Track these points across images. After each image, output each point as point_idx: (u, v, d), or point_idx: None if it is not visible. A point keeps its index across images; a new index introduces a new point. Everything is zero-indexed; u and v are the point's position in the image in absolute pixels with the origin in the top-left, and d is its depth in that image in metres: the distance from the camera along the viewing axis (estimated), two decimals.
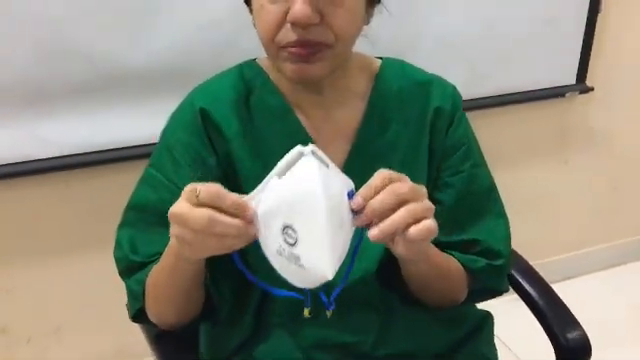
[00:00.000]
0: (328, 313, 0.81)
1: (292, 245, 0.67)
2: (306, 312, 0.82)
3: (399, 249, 0.73)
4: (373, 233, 0.70)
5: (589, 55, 1.97)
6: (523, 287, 1.08)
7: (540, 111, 2.04)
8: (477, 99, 1.83)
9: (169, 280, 0.84)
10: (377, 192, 0.70)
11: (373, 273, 0.92)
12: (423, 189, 0.73)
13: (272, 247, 0.69)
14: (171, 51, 1.43)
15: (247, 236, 0.69)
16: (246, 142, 0.90)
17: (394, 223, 0.69)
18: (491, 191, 0.97)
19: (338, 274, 0.68)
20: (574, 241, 2.29)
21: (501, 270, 0.95)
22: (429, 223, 0.71)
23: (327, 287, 0.73)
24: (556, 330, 1.02)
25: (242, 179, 0.89)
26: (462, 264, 0.92)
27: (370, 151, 0.92)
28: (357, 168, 0.86)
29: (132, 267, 0.90)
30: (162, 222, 0.76)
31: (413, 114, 0.94)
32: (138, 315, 0.92)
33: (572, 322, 1.02)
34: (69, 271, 1.65)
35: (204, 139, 0.89)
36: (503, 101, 1.90)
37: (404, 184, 0.71)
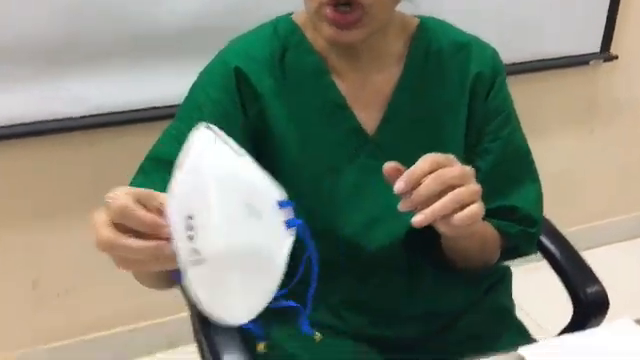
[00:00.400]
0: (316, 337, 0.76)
1: (192, 240, 0.56)
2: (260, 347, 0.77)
3: (442, 229, 0.73)
4: (417, 219, 0.69)
5: (614, 23, 1.95)
6: (544, 244, 1.10)
7: (564, 79, 2.03)
8: None
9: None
10: (423, 177, 0.69)
11: (401, 239, 0.91)
12: (471, 171, 0.72)
13: (181, 255, 0.55)
14: (201, 10, 1.45)
15: (166, 259, 0.56)
16: (280, 101, 0.88)
17: (439, 209, 0.69)
18: (527, 156, 0.97)
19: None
20: (598, 211, 2.28)
21: (534, 236, 0.96)
22: (474, 208, 0.70)
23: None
24: (575, 285, 1.04)
25: (277, 139, 0.88)
26: (498, 229, 0.93)
27: (405, 117, 0.90)
28: (390, 134, 0.87)
29: None
30: None
31: (452, 77, 0.92)
32: None
33: (591, 278, 1.04)
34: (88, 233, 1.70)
35: (235, 98, 0.87)
36: (526, 68, 1.89)
37: (451, 169, 0.70)
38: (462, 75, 0.92)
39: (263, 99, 0.88)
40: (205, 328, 0.92)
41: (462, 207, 0.70)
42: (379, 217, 0.90)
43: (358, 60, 0.89)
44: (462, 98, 0.92)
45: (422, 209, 0.69)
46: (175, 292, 1.10)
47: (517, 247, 0.96)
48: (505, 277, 1.04)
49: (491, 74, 0.93)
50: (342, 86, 0.90)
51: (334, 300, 0.93)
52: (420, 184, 0.69)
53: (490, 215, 0.91)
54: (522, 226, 0.93)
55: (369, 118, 0.89)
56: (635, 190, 2.32)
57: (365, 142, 0.89)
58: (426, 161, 0.70)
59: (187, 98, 0.92)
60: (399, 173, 0.70)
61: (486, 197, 0.84)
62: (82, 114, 1.47)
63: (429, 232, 0.77)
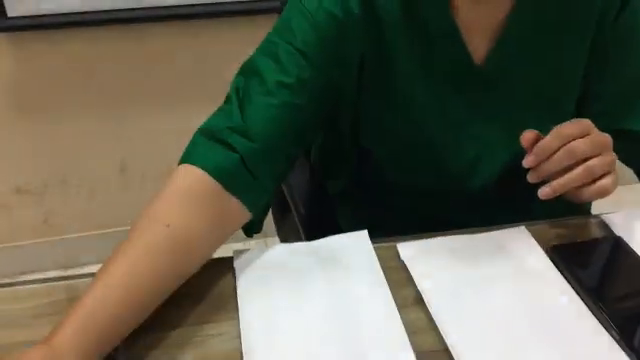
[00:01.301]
0: None
1: None
2: None
3: (570, 199, 0.72)
4: (545, 192, 0.69)
5: None
6: None
7: None
8: None
9: None
10: (554, 150, 0.68)
11: (495, 181, 0.87)
12: (606, 139, 0.71)
13: None
14: None
15: None
16: (398, 27, 0.80)
17: (569, 183, 0.69)
18: None
19: None
20: None
21: None
22: (606, 183, 0.70)
23: None
24: None
25: (389, 63, 0.81)
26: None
27: (520, 44, 0.82)
28: (500, 65, 0.81)
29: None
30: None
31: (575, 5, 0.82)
32: None
33: None
34: (178, 119, 1.77)
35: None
36: None
37: (584, 142, 0.69)
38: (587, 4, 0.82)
39: (388, 27, 0.80)
40: None
41: (594, 180, 0.69)
42: (481, 156, 0.86)
43: None
44: (589, 16, 0.82)
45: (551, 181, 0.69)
46: None
47: None
48: None
49: None
50: (457, 13, 0.80)
51: (413, 218, 0.88)
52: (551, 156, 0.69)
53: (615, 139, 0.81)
54: None
55: (478, 46, 0.81)
56: None
57: (471, 73, 0.82)
58: (559, 135, 0.69)
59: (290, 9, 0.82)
60: (536, 141, 0.70)
61: (608, 122, 0.80)
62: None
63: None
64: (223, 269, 0.71)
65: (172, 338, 0.63)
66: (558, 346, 0.60)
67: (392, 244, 0.74)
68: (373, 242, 0.75)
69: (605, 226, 0.78)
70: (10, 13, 1.52)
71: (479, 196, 0.88)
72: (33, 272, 1.84)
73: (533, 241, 0.74)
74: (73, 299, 0.59)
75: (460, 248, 0.73)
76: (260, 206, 0.75)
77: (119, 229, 1.88)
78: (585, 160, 0.70)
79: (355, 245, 0.73)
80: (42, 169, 1.79)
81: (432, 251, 0.73)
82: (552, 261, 0.71)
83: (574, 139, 0.69)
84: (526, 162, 0.70)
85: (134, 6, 1.54)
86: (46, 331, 0.56)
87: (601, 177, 0.71)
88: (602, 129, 0.73)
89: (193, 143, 0.75)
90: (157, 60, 1.68)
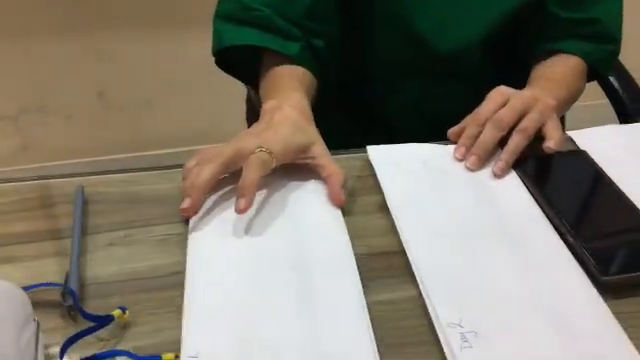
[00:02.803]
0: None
1: None
2: None
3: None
4: (499, 167, 0.73)
5: None
6: None
7: None
8: None
9: None
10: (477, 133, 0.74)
11: (474, 45, 0.91)
12: (524, 97, 0.75)
13: None
14: None
15: None
16: None
17: (514, 149, 0.73)
18: None
19: None
20: None
21: (613, 55, 0.95)
22: (550, 131, 0.74)
23: None
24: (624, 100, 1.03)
25: None
26: (577, 54, 0.91)
27: None
28: None
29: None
30: None
31: None
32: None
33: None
34: (163, 47, 1.73)
35: None
36: None
37: (505, 110, 0.74)
38: None
39: None
40: None
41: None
42: (455, 19, 0.90)
43: None
44: None
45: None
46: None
47: (595, 68, 0.94)
48: None
49: None
50: None
51: (399, 100, 0.97)
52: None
53: (570, 27, 0.91)
54: (601, 43, 0.92)
55: None
56: None
57: None
58: (477, 118, 0.74)
59: None
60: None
61: (567, 7, 0.87)
62: None
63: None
64: None
65: None
66: (513, 248, 0.62)
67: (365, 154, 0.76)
68: (346, 152, 0.76)
69: (571, 141, 0.80)
70: None
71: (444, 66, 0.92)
72: None
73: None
74: (45, 197, 0.60)
75: (429, 157, 0.75)
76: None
77: (99, 158, 1.89)
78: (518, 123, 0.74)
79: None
80: (19, 95, 1.77)
81: (402, 156, 0.75)
82: (517, 173, 0.73)
83: (495, 112, 0.74)
84: (459, 154, 0.74)
85: None
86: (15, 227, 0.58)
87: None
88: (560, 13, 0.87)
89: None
90: None
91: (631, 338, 0.53)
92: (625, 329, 0.54)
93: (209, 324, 0.53)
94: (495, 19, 0.90)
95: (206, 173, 0.63)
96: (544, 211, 0.67)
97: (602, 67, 0.95)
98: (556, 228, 0.65)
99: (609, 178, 0.71)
